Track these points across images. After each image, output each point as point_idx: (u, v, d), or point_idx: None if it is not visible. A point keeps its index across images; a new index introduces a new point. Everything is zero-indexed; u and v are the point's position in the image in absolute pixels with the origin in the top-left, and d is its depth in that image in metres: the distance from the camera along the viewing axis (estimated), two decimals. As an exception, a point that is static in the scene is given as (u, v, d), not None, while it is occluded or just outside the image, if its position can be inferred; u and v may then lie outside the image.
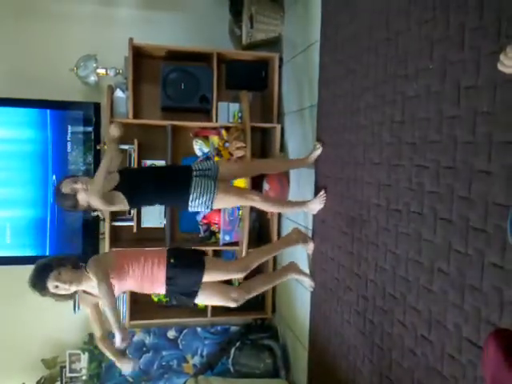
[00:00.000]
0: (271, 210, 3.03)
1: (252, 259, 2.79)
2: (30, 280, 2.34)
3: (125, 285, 2.45)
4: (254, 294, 2.79)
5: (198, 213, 3.73)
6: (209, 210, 2.70)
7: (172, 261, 2.49)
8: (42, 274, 2.32)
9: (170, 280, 2.48)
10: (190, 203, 2.63)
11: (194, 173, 2.68)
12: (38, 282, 2.32)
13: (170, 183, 2.67)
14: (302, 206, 2.86)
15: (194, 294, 2.55)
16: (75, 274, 2.36)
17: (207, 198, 2.62)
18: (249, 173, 3.15)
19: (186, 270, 2.52)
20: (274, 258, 3.64)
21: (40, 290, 2.32)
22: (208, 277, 2.56)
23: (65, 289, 2.31)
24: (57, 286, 2.30)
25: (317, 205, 2.78)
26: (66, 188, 2.49)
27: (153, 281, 2.46)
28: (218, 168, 2.76)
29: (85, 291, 2.40)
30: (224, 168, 2.79)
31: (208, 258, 2.69)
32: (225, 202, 2.75)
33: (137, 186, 2.59)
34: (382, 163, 2.11)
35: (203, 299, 2.63)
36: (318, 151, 2.82)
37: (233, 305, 2.66)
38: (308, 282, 2.94)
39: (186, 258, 2.59)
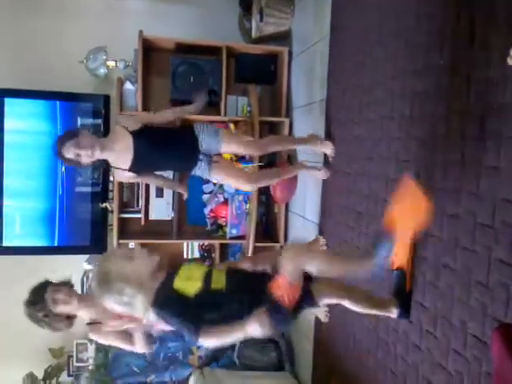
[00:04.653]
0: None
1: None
2: (26, 299, 2.20)
3: None
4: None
5: (205, 205, 3.74)
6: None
7: None
8: (39, 289, 2.18)
9: None
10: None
11: (199, 156, 2.70)
12: (36, 297, 2.17)
13: (181, 154, 2.71)
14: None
15: None
16: (74, 292, 2.24)
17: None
18: (255, 149, 2.98)
19: None
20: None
21: (36, 306, 2.16)
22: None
23: (64, 302, 2.14)
24: (55, 300, 2.12)
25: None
26: (68, 153, 2.46)
27: None
28: (220, 149, 2.75)
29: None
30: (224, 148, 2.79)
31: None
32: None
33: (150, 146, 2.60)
34: (390, 158, 2.11)
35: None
36: (328, 150, 2.80)
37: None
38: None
39: None
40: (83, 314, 2.25)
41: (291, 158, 3.45)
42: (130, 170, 2.61)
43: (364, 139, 2.38)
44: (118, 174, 2.71)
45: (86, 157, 2.48)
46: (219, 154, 2.80)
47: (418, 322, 1.83)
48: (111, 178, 3.46)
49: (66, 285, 2.26)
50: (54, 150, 2.52)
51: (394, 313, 1.90)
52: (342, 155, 2.67)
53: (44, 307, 2.14)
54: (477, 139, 1.54)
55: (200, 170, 2.72)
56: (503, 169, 1.42)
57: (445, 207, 1.69)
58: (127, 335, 2.28)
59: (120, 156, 2.58)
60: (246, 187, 2.91)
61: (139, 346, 2.21)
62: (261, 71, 3.70)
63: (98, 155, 2.51)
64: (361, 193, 2.39)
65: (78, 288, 3.51)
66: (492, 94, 1.47)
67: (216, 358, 3.53)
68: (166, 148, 2.64)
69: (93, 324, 2.25)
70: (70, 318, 2.23)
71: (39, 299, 2.16)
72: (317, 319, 2.94)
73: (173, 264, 2.44)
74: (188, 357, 3.75)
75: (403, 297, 1.88)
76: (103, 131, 3.56)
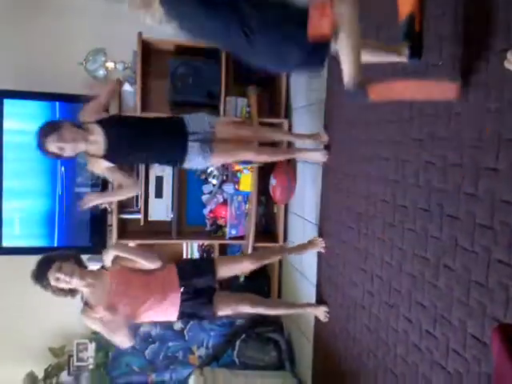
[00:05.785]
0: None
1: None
2: (32, 272, 2.36)
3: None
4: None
5: (204, 206, 3.75)
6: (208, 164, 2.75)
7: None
8: (44, 265, 2.34)
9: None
10: (185, 163, 2.66)
11: (190, 137, 2.62)
12: (40, 274, 2.33)
13: (163, 143, 2.63)
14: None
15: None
16: (77, 268, 2.36)
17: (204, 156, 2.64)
18: (249, 134, 3.01)
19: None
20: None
21: (41, 282, 2.33)
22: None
23: (65, 281, 2.31)
24: (58, 278, 2.29)
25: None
26: (51, 147, 2.43)
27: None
28: (213, 126, 2.72)
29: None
30: (221, 131, 2.75)
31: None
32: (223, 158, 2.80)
33: (122, 136, 2.56)
34: (389, 159, 2.12)
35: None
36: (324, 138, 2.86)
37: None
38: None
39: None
40: (84, 291, 2.41)
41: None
42: (104, 157, 2.54)
43: (363, 140, 2.40)
44: (93, 163, 2.61)
45: (70, 150, 2.45)
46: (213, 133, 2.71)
47: (418, 322, 1.85)
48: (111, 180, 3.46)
49: (70, 260, 2.39)
50: (36, 141, 2.45)
51: (405, 55, 1.81)
52: (341, 156, 2.69)
53: (48, 283, 2.33)
54: (475, 141, 1.55)
55: (195, 157, 2.62)
56: (502, 170, 1.43)
57: (444, 208, 1.70)
58: (114, 326, 2.35)
59: (93, 144, 2.52)
60: (252, 155, 2.83)
61: (120, 339, 2.35)
62: (260, 72, 3.71)
63: (83, 148, 2.49)
64: (360, 193, 2.40)
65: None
66: (490, 95, 1.49)
67: (216, 357, 3.54)
68: (142, 134, 2.57)
69: (87, 305, 2.39)
70: (73, 291, 2.40)
71: (42, 275, 2.33)
72: (316, 319, 2.96)
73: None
74: (188, 356, 3.76)
75: (414, 36, 1.78)
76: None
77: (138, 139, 2.57)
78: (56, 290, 2.36)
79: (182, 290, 2.49)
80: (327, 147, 2.85)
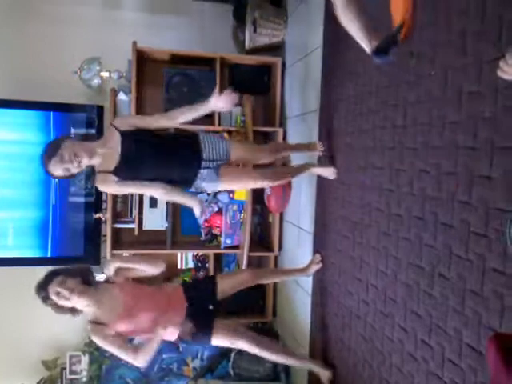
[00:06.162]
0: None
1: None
2: (36, 284, 2.28)
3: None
4: None
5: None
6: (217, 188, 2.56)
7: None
8: (48, 278, 2.26)
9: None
10: (191, 188, 2.50)
11: (204, 163, 2.44)
12: (41, 285, 2.25)
13: (176, 164, 2.41)
14: None
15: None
16: (80, 286, 2.26)
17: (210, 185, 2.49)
18: (254, 157, 2.77)
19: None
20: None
21: (40, 294, 2.25)
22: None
23: (64, 297, 2.21)
24: (58, 293, 2.20)
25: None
26: (56, 170, 2.25)
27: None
28: (229, 155, 2.52)
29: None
30: (234, 154, 2.55)
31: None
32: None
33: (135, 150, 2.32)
34: (383, 168, 2.12)
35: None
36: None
37: None
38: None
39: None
40: (90, 311, 2.29)
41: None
42: (113, 172, 2.30)
43: (357, 149, 2.40)
44: (101, 180, 2.35)
45: (76, 168, 2.26)
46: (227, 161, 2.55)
47: (413, 332, 1.84)
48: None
49: (76, 277, 2.29)
50: (42, 169, 2.30)
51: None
52: (336, 165, 2.68)
53: (47, 296, 2.24)
54: (469, 149, 1.55)
55: (205, 180, 2.44)
56: (496, 178, 1.43)
57: (438, 216, 1.70)
58: (130, 345, 2.30)
59: (106, 156, 2.30)
60: (264, 183, 2.61)
61: (142, 360, 2.24)
62: (254, 82, 3.73)
63: (87, 162, 2.27)
64: (355, 202, 2.40)
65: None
66: (483, 104, 1.49)
67: (211, 369, 3.51)
68: (157, 152, 2.36)
69: (96, 324, 2.26)
70: (74, 310, 2.30)
71: (43, 287, 2.25)
72: (311, 330, 2.94)
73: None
74: (182, 368, 3.72)
75: (389, 40, 1.80)
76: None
77: (153, 156, 2.35)
78: (55, 306, 2.25)
79: (186, 305, 2.45)
80: (332, 159, 2.73)
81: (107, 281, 2.43)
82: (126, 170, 2.32)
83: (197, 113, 2.35)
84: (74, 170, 2.27)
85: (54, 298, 2.22)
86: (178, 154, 2.41)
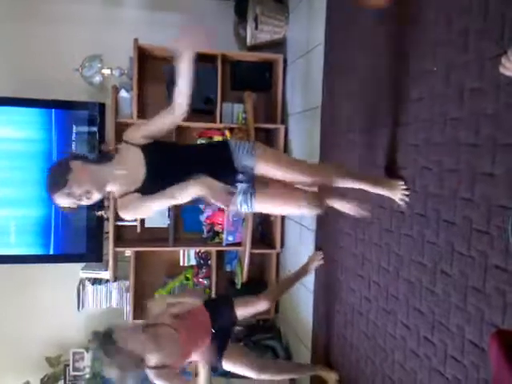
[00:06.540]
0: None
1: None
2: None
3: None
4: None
5: (201, 212, 3.74)
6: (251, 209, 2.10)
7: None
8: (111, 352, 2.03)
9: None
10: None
11: (238, 176, 2.07)
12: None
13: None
14: None
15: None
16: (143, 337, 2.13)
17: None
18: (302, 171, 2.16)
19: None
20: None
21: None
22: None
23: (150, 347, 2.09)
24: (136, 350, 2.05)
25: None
26: (65, 203, 1.91)
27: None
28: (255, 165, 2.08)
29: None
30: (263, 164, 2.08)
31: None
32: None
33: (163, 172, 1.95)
34: (384, 165, 2.12)
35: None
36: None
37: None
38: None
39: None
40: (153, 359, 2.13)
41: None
42: (137, 190, 1.93)
43: (359, 145, 2.39)
44: (125, 205, 1.94)
45: (87, 201, 1.91)
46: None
47: (416, 329, 1.84)
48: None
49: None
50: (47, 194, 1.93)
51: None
52: (336, 161, 2.68)
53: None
54: (471, 145, 1.55)
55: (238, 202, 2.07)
56: (498, 175, 1.43)
57: (440, 213, 1.70)
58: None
59: (127, 178, 1.95)
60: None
61: None
62: (256, 78, 3.72)
63: (99, 197, 1.93)
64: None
65: (74, 297, 3.54)
66: (485, 100, 1.49)
67: (214, 367, 3.51)
68: (184, 163, 2.00)
69: (159, 368, 2.13)
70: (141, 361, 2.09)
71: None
72: (314, 326, 2.94)
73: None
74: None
75: None
76: (98, 139, 3.56)
77: (180, 169, 1.97)
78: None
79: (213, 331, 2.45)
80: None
81: (152, 324, 2.26)
82: (154, 186, 1.89)
83: (182, 75, 1.91)
84: (86, 202, 1.93)
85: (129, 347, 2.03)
86: (208, 163, 2.02)
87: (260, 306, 2.64)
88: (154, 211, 1.94)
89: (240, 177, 2.07)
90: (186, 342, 2.24)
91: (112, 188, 1.99)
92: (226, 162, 2.06)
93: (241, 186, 2.07)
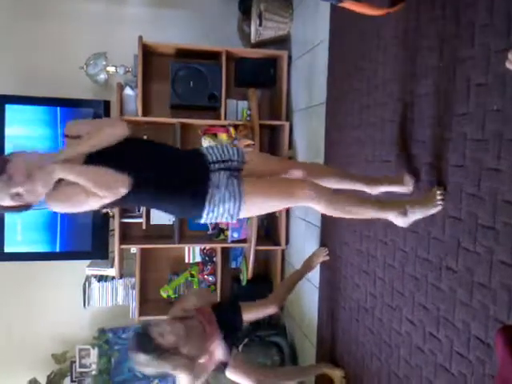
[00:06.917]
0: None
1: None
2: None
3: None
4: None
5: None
6: (233, 220, 1.81)
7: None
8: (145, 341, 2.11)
9: None
10: (204, 215, 1.76)
11: (212, 166, 1.81)
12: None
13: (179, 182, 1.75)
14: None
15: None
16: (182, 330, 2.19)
17: (231, 206, 1.75)
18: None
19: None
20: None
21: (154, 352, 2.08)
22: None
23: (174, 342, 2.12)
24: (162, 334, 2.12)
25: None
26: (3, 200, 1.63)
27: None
28: (243, 154, 1.91)
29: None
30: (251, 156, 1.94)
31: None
32: (257, 207, 1.83)
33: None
34: (391, 161, 2.11)
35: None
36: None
37: None
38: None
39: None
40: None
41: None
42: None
43: (364, 142, 2.39)
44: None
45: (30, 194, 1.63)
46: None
47: (421, 324, 1.84)
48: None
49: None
50: None
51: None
52: (341, 158, 2.68)
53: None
54: (477, 141, 1.54)
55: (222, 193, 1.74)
56: (504, 171, 1.42)
57: (446, 209, 1.69)
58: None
59: None
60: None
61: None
62: (260, 75, 3.71)
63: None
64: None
65: (80, 294, 3.56)
66: (491, 96, 1.48)
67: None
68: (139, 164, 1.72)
69: (189, 360, 2.17)
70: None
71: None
72: (319, 322, 2.94)
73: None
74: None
75: None
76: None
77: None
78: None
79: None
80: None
81: (184, 317, 2.33)
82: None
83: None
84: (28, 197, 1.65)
85: (160, 340, 2.11)
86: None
87: (268, 310, 2.66)
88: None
89: (214, 166, 1.81)
90: (210, 334, 2.28)
91: None
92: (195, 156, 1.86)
93: (222, 175, 1.79)
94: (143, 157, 1.75)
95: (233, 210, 1.75)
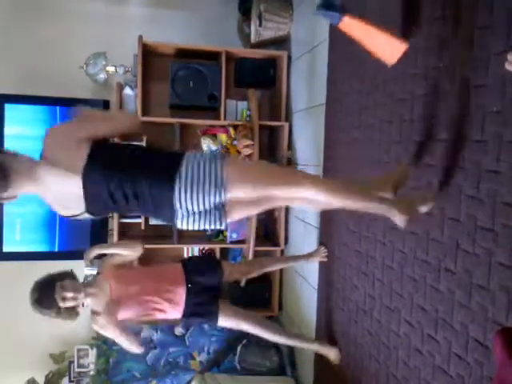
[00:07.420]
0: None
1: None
2: (35, 299, 2.27)
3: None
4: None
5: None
6: (222, 226, 1.85)
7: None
8: (47, 289, 2.26)
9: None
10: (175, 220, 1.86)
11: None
12: (46, 298, 2.25)
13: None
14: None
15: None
16: (77, 282, 2.35)
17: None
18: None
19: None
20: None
21: (49, 306, 2.25)
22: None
23: (73, 299, 2.25)
24: (64, 298, 2.23)
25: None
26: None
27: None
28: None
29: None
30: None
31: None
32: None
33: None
34: (390, 162, 2.11)
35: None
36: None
37: None
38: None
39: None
40: (90, 303, 2.37)
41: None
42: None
43: (364, 142, 2.39)
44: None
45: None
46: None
47: (420, 326, 1.83)
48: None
49: (70, 277, 2.35)
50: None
51: None
52: (341, 159, 2.68)
53: (53, 305, 2.25)
54: (477, 142, 1.54)
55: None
56: (503, 173, 1.42)
57: (445, 210, 1.69)
58: (127, 331, 2.35)
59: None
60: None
61: (128, 342, 2.34)
62: (260, 75, 3.71)
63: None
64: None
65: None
66: (491, 97, 1.48)
67: (217, 362, 3.52)
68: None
69: (94, 314, 2.34)
70: (76, 309, 2.34)
71: (49, 298, 2.25)
72: (318, 323, 2.94)
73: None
74: (189, 362, 3.74)
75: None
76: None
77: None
78: (63, 311, 2.28)
79: (188, 286, 2.51)
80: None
81: (97, 273, 2.55)
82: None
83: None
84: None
85: (61, 304, 2.24)
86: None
87: (252, 268, 2.86)
88: None
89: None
90: (118, 295, 2.36)
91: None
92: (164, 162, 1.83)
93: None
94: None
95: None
